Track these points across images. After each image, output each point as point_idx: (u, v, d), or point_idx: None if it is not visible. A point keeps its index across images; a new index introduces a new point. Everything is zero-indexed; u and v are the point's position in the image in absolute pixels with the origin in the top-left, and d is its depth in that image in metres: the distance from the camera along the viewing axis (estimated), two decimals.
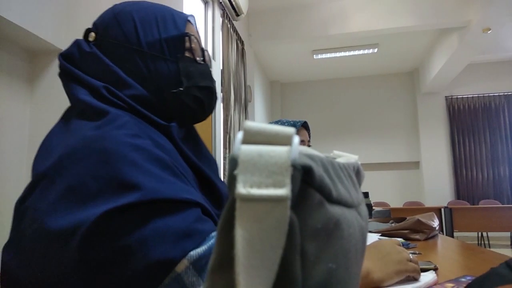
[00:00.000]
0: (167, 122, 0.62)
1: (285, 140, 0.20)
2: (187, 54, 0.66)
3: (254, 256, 0.18)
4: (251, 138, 0.20)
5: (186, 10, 2.90)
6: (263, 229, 0.18)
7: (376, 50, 5.84)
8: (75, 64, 0.62)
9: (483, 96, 6.74)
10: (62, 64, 0.62)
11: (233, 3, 3.71)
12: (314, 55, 5.98)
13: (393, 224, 1.46)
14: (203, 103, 0.67)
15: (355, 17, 4.75)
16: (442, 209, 5.53)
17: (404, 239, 1.26)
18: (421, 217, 1.37)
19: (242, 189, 0.18)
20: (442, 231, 5.48)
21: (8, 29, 1.50)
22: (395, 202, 6.60)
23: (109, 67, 0.61)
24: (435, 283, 0.71)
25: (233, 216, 0.19)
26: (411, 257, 0.72)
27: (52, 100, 1.69)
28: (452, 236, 5.18)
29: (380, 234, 1.35)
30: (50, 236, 0.45)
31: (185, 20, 0.67)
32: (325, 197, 0.23)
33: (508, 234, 5.95)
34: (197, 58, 0.67)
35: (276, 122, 1.58)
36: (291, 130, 0.21)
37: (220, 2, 3.71)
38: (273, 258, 0.18)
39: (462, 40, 4.70)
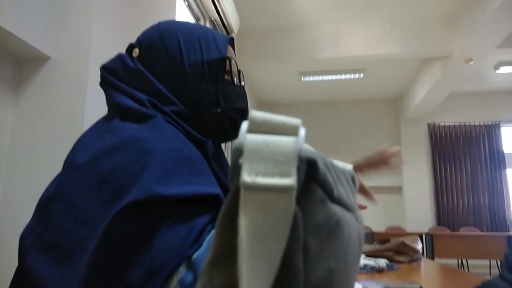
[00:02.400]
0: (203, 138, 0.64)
1: (291, 131, 0.20)
2: (226, 76, 0.68)
3: (258, 246, 0.17)
4: (257, 127, 0.20)
5: None
6: (267, 219, 0.18)
7: (362, 75, 5.96)
8: (117, 77, 0.64)
9: (464, 124, 6.91)
10: (104, 76, 0.64)
11: (225, 22, 3.75)
12: (302, 77, 6.06)
13: (377, 246, 1.46)
14: (237, 124, 0.69)
15: (342, 43, 4.86)
16: (423, 235, 5.57)
17: (388, 260, 1.25)
18: (405, 240, 1.38)
19: (247, 177, 0.18)
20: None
21: None
22: (377, 226, 6.61)
23: (153, 83, 0.62)
24: None
25: (236, 205, 0.18)
26: None
27: (37, 108, 1.66)
28: None
29: (364, 255, 1.35)
30: (80, 227, 0.46)
31: (226, 42, 0.69)
32: (327, 194, 0.22)
33: (487, 262, 6.01)
34: (235, 79, 0.70)
35: None
36: (297, 121, 0.21)
37: (212, 20, 3.75)
38: (276, 250, 0.18)
39: (445, 70, 4.84)
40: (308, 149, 0.22)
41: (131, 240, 0.43)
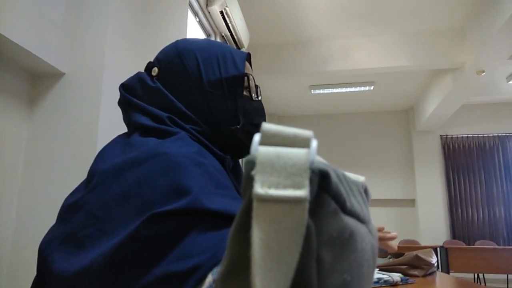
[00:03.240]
0: (222, 154, 0.64)
1: (303, 143, 0.20)
2: (244, 92, 0.69)
3: (271, 258, 0.17)
4: (269, 140, 0.20)
5: None
6: (280, 231, 0.18)
7: (372, 87, 5.95)
8: (136, 95, 0.65)
9: (478, 136, 6.82)
10: (123, 95, 0.65)
11: (235, 37, 3.80)
12: (312, 90, 6.07)
13: (391, 259, 1.43)
14: None
15: (352, 56, 4.87)
16: (438, 249, 5.46)
17: (402, 274, 1.23)
18: (420, 253, 1.35)
19: (259, 189, 0.18)
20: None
21: (12, 50, 1.52)
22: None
23: (172, 102, 0.63)
24: None
25: (249, 217, 0.18)
26: None
27: (51, 124, 1.69)
28: None
29: (378, 269, 1.32)
30: (101, 234, 0.46)
31: (244, 59, 0.71)
32: (339, 206, 0.22)
33: (504, 276, 5.85)
34: (253, 95, 0.71)
35: None
36: (309, 133, 0.21)
37: (223, 36, 3.80)
38: (289, 262, 0.18)
39: (456, 81, 4.81)
40: (320, 160, 0.22)
41: (163, 239, 0.42)
